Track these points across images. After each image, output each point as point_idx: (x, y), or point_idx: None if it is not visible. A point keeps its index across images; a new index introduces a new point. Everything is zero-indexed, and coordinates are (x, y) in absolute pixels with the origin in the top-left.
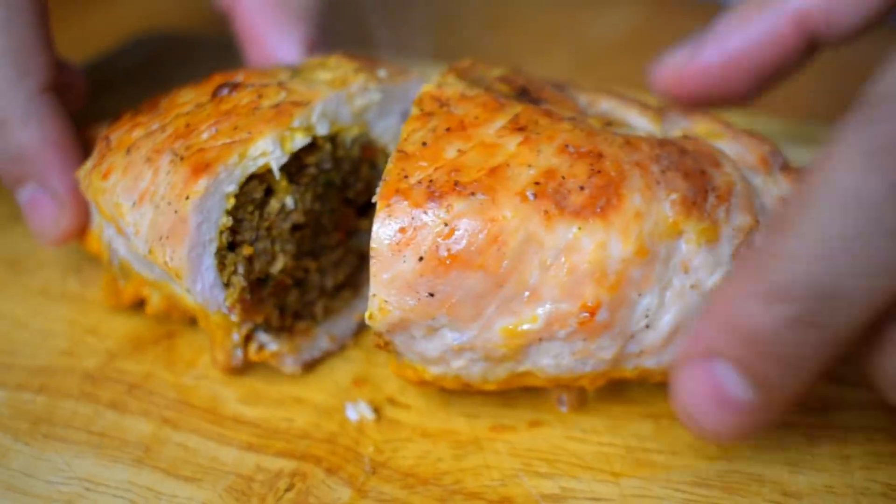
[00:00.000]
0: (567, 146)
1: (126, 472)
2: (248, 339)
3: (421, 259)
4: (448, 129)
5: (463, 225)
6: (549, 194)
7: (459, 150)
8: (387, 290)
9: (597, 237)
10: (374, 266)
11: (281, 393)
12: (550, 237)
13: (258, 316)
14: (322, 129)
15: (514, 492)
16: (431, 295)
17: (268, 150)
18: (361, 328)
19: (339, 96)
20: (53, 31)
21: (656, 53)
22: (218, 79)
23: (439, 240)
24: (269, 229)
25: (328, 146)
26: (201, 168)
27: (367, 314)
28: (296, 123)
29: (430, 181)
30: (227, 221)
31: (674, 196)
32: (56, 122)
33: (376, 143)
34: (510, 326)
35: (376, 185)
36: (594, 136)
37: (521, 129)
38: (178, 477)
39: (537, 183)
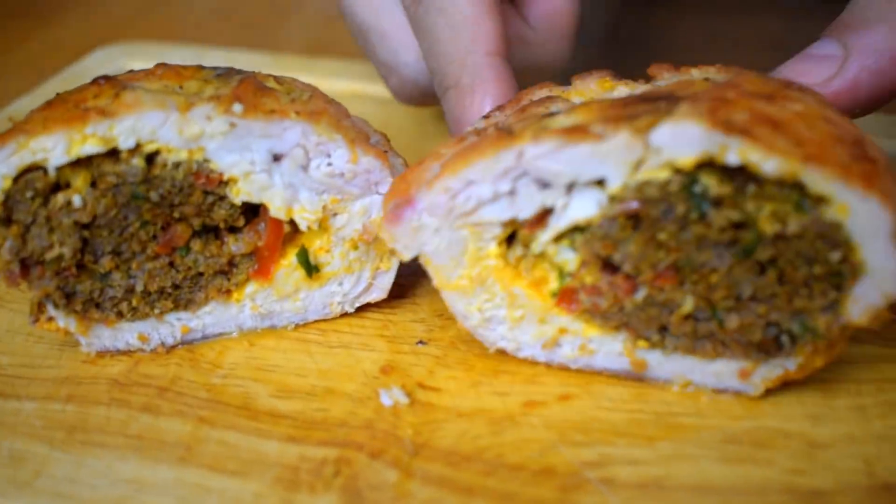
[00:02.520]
0: None
1: (171, 472)
2: (41, 307)
3: None
4: None
5: None
6: None
7: None
8: None
9: None
10: None
11: (312, 386)
12: None
13: (36, 289)
14: (126, 143)
15: (554, 461)
16: None
17: (48, 147)
18: (199, 340)
19: (160, 116)
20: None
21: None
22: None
23: None
24: (48, 218)
25: (137, 161)
26: None
27: None
28: (89, 130)
29: None
30: (1, 198)
31: None
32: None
33: (216, 172)
34: None
35: (218, 213)
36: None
37: None
38: (224, 472)
39: None
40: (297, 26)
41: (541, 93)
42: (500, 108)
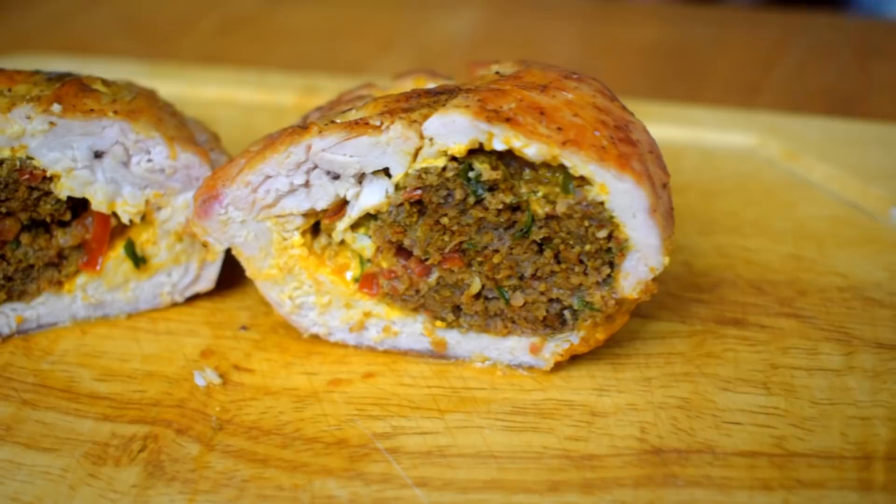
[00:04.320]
0: None
1: None
2: None
3: None
4: None
5: None
6: None
7: None
8: None
9: None
10: None
11: (133, 369)
12: None
13: None
14: None
15: (349, 434)
16: None
17: None
18: (34, 329)
19: None
20: None
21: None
22: None
23: None
24: None
25: None
26: None
27: None
28: None
29: None
30: None
31: None
32: None
33: (39, 168)
34: None
35: (44, 207)
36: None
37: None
38: (38, 449)
39: None
40: (193, 38)
41: (359, 92)
42: (319, 108)
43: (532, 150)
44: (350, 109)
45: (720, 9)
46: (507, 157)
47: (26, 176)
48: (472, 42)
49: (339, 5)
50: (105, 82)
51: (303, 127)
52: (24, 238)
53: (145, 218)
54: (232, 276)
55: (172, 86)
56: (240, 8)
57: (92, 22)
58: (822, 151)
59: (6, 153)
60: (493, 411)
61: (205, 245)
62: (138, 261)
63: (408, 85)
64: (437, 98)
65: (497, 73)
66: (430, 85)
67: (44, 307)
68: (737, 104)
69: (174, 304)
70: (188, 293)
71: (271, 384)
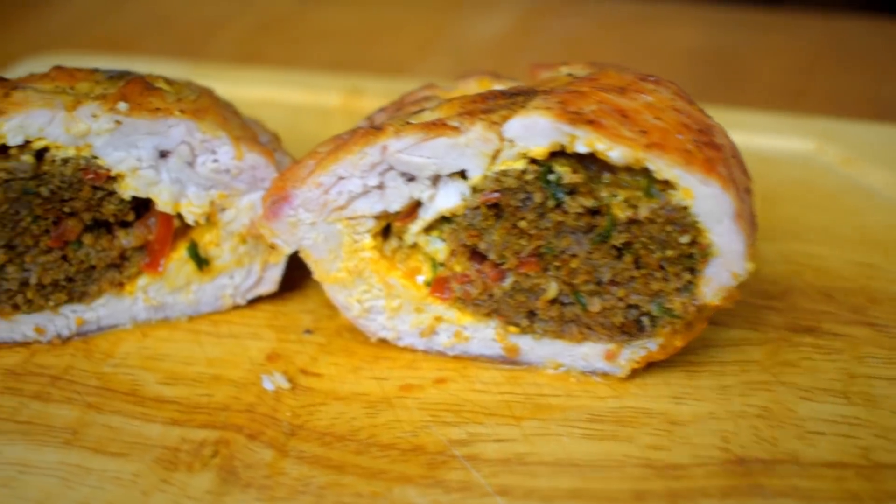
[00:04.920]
0: None
1: (56, 454)
2: None
3: None
4: None
5: None
6: None
7: None
8: None
9: None
10: None
11: (198, 373)
12: None
13: None
14: (14, 140)
15: (425, 440)
16: None
17: None
18: (94, 331)
19: (46, 114)
20: None
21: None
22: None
23: None
24: None
25: (26, 157)
26: None
27: None
28: None
29: None
30: None
31: None
32: None
33: (103, 168)
34: None
35: (107, 208)
36: None
37: None
38: (106, 453)
39: None
40: (226, 38)
41: (424, 93)
42: (382, 109)
43: (616, 153)
44: (422, 110)
45: (763, 12)
46: (587, 161)
47: (91, 175)
48: (510, 44)
49: (371, 6)
50: (167, 80)
51: (376, 128)
52: (87, 239)
53: (209, 219)
54: (292, 278)
55: (212, 86)
56: (272, 8)
57: (123, 21)
58: (879, 157)
59: (71, 152)
60: (570, 419)
61: (272, 247)
62: (201, 262)
63: (472, 86)
64: (513, 99)
65: (569, 74)
66: (498, 87)
67: (104, 309)
68: (781, 108)
69: (235, 307)
70: (250, 296)
71: (341, 389)
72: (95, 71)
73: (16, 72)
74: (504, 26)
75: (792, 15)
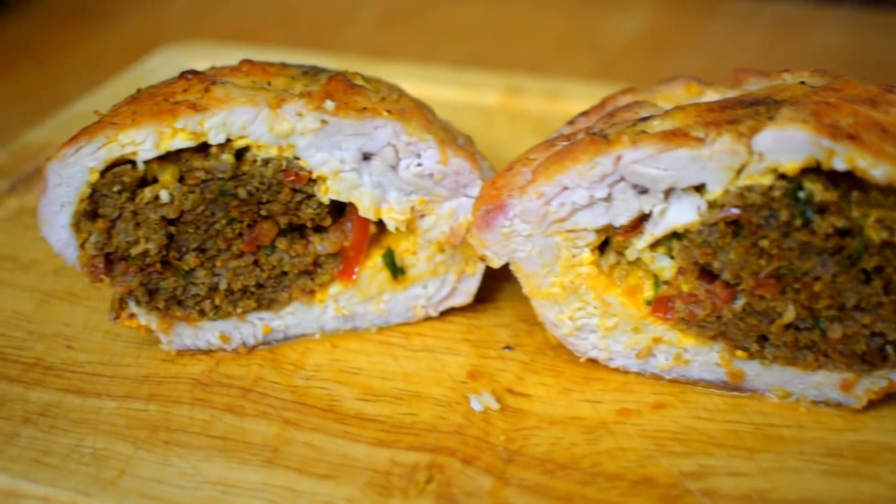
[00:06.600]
0: None
1: (258, 474)
2: (123, 303)
3: None
4: None
5: None
6: None
7: None
8: None
9: None
10: None
11: (398, 390)
12: None
13: (119, 285)
14: (216, 138)
15: (653, 472)
16: None
17: (137, 141)
18: (280, 340)
19: (251, 111)
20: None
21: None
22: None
23: None
24: (135, 213)
25: (226, 156)
26: (75, 137)
27: None
28: (179, 124)
29: None
30: (88, 192)
31: None
32: None
33: (305, 170)
34: None
35: (305, 211)
36: None
37: None
38: (313, 475)
39: None
40: (354, 31)
41: (626, 98)
42: (584, 113)
43: (879, 171)
44: (648, 117)
45: None
46: (835, 178)
47: (291, 177)
48: (649, 43)
49: (502, 2)
50: (365, 78)
51: (603, 136)
52: (281, 243)
53: (407, 226)
54: (483, 289)
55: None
56: (399, 2)
57: (242, 11)
58: None
59: (273, 152)
60: (807, 452)
61: (482, 259)
62: (396, 271)
63: (677, 91)
64: (755, 109)
65: (802, 83)
66: (710, 93)
67: (292, 317)
68: None
69: (426, 319)
70: (442, 307)
71: (553, 412)
72: (286, 66)
73: (152, 62)
74: (642, 23)
75: None
